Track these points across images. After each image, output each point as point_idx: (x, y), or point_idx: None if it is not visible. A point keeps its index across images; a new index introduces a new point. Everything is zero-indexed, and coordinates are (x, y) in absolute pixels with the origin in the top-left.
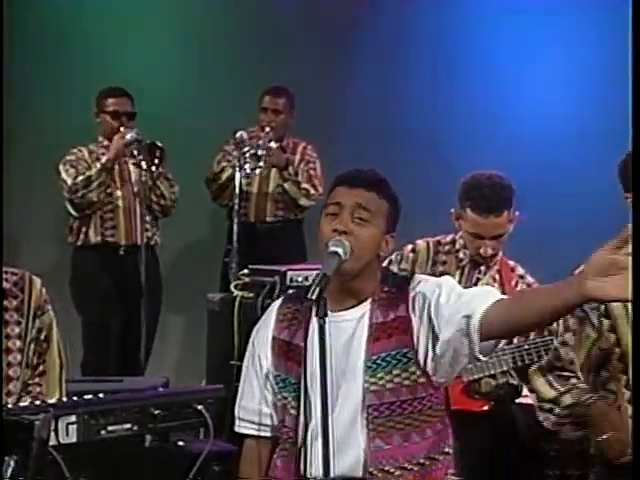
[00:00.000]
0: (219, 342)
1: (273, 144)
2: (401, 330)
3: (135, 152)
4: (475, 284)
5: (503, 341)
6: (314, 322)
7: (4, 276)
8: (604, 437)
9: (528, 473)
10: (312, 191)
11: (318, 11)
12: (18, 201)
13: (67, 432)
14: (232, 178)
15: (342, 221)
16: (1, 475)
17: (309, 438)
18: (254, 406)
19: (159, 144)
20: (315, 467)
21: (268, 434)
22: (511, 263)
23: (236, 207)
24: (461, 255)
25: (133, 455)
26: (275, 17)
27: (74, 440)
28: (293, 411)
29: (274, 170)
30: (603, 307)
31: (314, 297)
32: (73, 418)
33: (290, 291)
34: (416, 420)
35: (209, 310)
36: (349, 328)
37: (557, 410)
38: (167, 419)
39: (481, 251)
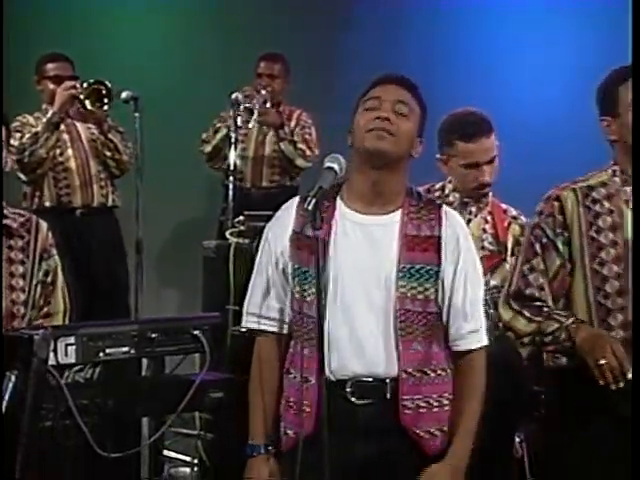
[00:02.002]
0: (215, 288)
1: (268, 104)
2: (434, 248)
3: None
4: (467, 223)
5: None
6: (337, 217)
7: (11, 216)
8: (600, 363)
9: (517, 415)
10: (308, 152)
11: None
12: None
13: (66, 353)
14: (225, 138)
15: (384, 110)
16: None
17: (328, 331)
18: (268, 302)
19: (106, 82)
20: (336, 360)
21: (279, 330)
22: (503, 205)
23: (231, 167)
24: (451, 199)
25: (130, 383)
26: None
27: (73, 361)
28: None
29: (270, 135)
30: (567, 234)
31: (310, 208)
32: (72, 339)
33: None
34: (435, 332)
35: (205, 257)
36: (380, 233)
37: (538, 339)
38: (164, 343)
39: (481, 179)
